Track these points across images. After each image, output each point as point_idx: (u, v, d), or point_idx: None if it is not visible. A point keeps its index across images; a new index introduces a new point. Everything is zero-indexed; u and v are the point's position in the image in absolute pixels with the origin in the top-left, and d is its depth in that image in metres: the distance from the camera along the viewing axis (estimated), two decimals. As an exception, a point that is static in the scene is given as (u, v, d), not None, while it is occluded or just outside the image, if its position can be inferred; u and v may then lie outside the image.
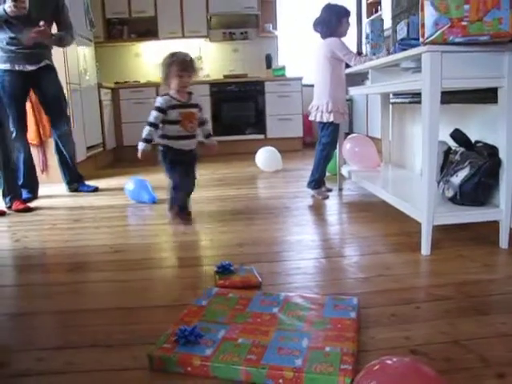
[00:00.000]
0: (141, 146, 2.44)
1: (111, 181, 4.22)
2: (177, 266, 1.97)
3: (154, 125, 2.43)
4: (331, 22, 2.92)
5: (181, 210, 2.62)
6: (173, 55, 2.46)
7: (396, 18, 3.30)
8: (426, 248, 1.92)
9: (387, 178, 2.93)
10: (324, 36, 2.98)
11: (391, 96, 3.18)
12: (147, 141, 2.43)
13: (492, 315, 1.41)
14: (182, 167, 2.54)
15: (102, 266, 2.01)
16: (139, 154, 2.44)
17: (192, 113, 2.52)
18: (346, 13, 2.96)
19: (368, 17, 5.96)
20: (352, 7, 6.19)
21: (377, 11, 5.67)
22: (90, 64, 4.91)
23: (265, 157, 4.33)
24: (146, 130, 2.43)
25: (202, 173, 4.44)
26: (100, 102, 5.22)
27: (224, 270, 1.74)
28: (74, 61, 4.36)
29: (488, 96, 2.01)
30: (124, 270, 1.94)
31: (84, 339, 1.35)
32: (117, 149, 5.80)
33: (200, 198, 3.19)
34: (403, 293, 1.59)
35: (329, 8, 2.96)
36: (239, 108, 5.98)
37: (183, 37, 6.14)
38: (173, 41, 6.14)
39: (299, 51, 6.42)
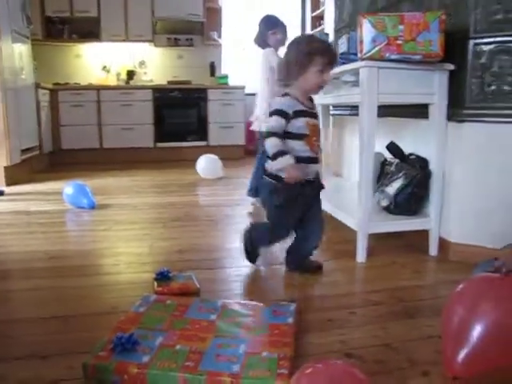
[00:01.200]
0: (283, 161, 1.66)
1: (47, 185, 4.07)
2: (115, 273, 1.93)
3: (278, 135, 1.69)
4: (263, 33, 2.99)
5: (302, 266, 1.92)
6: (311, 40, 1.76)
7: (338, 33, 3.41)
8: (361, 255, 1.99)
9: (326, 187, 3.00)
10: (260, 47, 3.04)
11: (331, 108, 3.28)
12: (285, 153, 1.67)
13: (420, 319, 1.49)
14: (301, 206, 1.81)
15: (36, 272, 1.93)
16: (291, 174, 1.67)
17: (317, 126, 1.81)
18: (276, 24, 3.00)
19: (312, 30, 6.12)
20: (297, 20, 6.36)
21: (320, 25, 5.83)
22: (26, 62, 4.70)
23: (205, 164, 4.33)
24: (272, 142, 1.68)
25: (143, 179, 4.39)
26: (37, 102, 5.01)
27: (163, 277, 1.73)
28: (9, 58, 4.16)
29: (421, 111, 2.13)
30: (60, 276, 1.87)
31: (18, 351, 1.30)
32: (54, 152, 5.58)
33: (140, 205, 3.14)
34: (340, 298, 1.65)
35: (262, 20, 3.03)
36: (182, 115, 5.95)
37: (127, 40, 6.03)
38: (116, 44, 6.03)
39: (243, 60, 6.48)
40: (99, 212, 2.93)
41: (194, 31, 6.34)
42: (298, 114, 1.71)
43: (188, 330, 1.32)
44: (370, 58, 1.88)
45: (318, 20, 6.01)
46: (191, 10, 6.08)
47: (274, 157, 1.67)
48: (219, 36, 6.52)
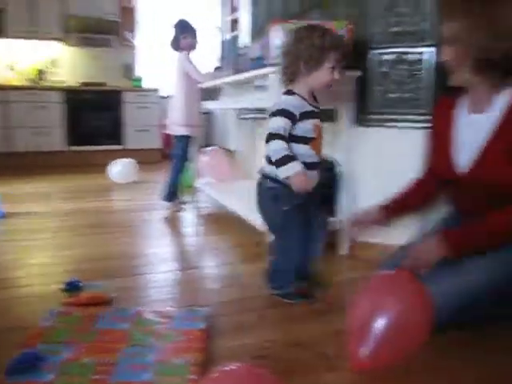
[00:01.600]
0: (292, 168, 1.47)
1: None
2: (23, 286, 1.82)
3: (283, 137, 1.50)
4: (177, 38, 3.00)
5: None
6: (324, 32, 1.52)
7: (252, 38, 3.46)
8: (273, 257, 2.03)
9: (239, 190, 3.04)
10: (175, 51, 3.03)
11: (243, 111, 3.32)
12: (293, 158, 1.49)
13: (329, 316, 1.55)
14: (304, 215, 1.64)
15: None
16: (302, 184, 1.49)
17: (321, 127, 1.62)
18: (186, 29, 3.01)
19: (231, 32, 6.16)
20: (215, 23, 6.37)
21: (237, 29, 5.88)
22: None
23: (119, 168, 4.22)
24: (278, 145, 1.48)
25: (55, 185, 4.19)
26: None
27: (72, 288, 1.67)
28: None
29: (330, 116, 2.21)
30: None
31: None
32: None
33: (51, 212, 3.00)
34: (250, 301, 1.67)
35: (176, 24, 3.04)
36: (96, 117, 5.73)
37: (36, 37, 5.70)
38: (23, 41, 5.68)
39: (158, 62, 6.38)
40: (8, 221, 2.76)
41: (110, 31, 6.12)
42: (306, 115, 1.53)
43: (97, 341, 1.28)
44: (278, 65, 1.93)
45: (237, 23, 6.05)
46: (106, 9, 5.87)
47: (281, 163, 1.47)
48: (134, 37, 6.37)
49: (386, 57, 2.08)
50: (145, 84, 6.20)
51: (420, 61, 2.02)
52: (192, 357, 1.20)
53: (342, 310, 1.55)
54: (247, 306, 1.63)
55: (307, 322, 1.50)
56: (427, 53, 2.01)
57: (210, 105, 3.11)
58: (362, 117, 2.13)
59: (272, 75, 1.93)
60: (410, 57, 2.04)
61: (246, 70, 2.36)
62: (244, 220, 2.36)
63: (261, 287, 1.73)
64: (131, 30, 6.31)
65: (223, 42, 2.97)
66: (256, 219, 2.20)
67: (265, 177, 1.61)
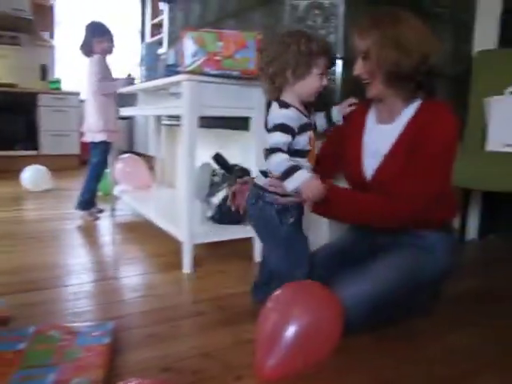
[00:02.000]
0: (300, 177, 1.37)
1: None
2: None
3: (284, 151, 1.41)
4: (89, 41, 2.88)
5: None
6: (311, 38, 1.43)
7: (170, 44, 3.43)
8: (188, 266, 2.01)
9: (156, 198, 2.99)
10: (86, 55, 2.93)
11: (163, 117, 3.28)
12: (298, 167, 1.39)
13: (241, 325, 1.55)
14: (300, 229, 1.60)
15: None
16: (312, 191, 1.38)
17: (314, 138, 1.55)
18: (102, 33, 2.91)
19: (152, 37, 6.07)
20: (137, 27, 6.26)
21: (160, 33, 5.79)
22: None
23: (32, 175, 4.01)
24: (280, 158, 1.40)
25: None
26: None
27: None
28: None
29: (244, 124, 2.23)
30: None
31: None
32: None
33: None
34: (164, 312, 1.64)
35: (87, 26, 2.92)
36: (7, 121, 5.38)
37: None
38: None
39: (77, 64, 6.14)
40: None
41: (20, 29, 5.80)
42: (304, 128, 1.46)
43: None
44: (191, 72, 1.92)
45: (158, 28, 5.97)
46: (15, 5, 5.48)
47: (286, 175, 1.38)
48: (51, 36, 6.10)
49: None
50: (64, 86, 5.94)
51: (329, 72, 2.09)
52: (93, 374, 1.16)
53: (253, 318, 1.57)
54: (161, 317, 1.59)
55: (218, 331, 1.50)
56: (336, 65, 2.08)
57: (126, 111, 3.03)
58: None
59: (185, 82, 1.92)
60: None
61: (162, 77, 2.33)
62: (160, 228, 2.32)
63: (176, 297, 1.71)
64: (48, 29, 6.03)
65: (142, 47, 2.89)
66: (171, 228, 2.18)
67: (262, 189, 1.52)
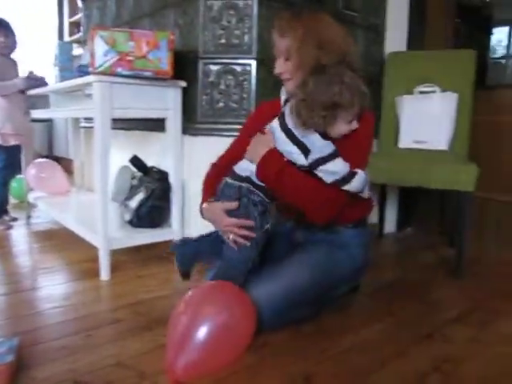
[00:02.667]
0: (361, 177, 1.38)
1: None
2: None
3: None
4: None
5: None
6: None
7: (84, 43, 3.31)
8: (105, 273, 1.95)
9: (74, 203, 2.87)
10: None
11: (82, 120, 3.16)
12: (355, 172, 1.39)
13: (158, 330, 1.51)
14: None
15: None
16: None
17: None
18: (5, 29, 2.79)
19: (70, 36, 5.84)
20: (54, 25, 5.99)
21: (79, 31, 5.57)
22: None
23: None
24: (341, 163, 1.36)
25: None
26: None
27: None
28: None
29: (160, 125, 2.20)
30: None
31: None
32: None
33: None
34: (77, 322, 1.58)
35: None
36: None
37: None
38: None
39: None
40: None
41: None
42: None
43: None
44: (102, 73, 1.86)
45: (77, 26, 5.74)
46: None
47: (349, 178, 1.36)
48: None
49: (212, 67, 2.12)
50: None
51: (244, 72, 2.10)
52: (-6, 395, 1.09)
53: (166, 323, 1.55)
54: (75, 328, 1.53)
55: (135, 339, 1.46)
56: (250, 65, 2.09)
57: (38, 113, 2.89)
58: (190, 126, 2.14)
59: (96, 83, 1.86)
60: (235, 68, 2.11)
61: (75, 77, 2.24)
62: (76, 235, 2.23)
63: (92, 305, 1.64)
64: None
65: (56, 46, 2.76)
66: (87, 234, 2.10)
67: (255, 186, 1.43)
